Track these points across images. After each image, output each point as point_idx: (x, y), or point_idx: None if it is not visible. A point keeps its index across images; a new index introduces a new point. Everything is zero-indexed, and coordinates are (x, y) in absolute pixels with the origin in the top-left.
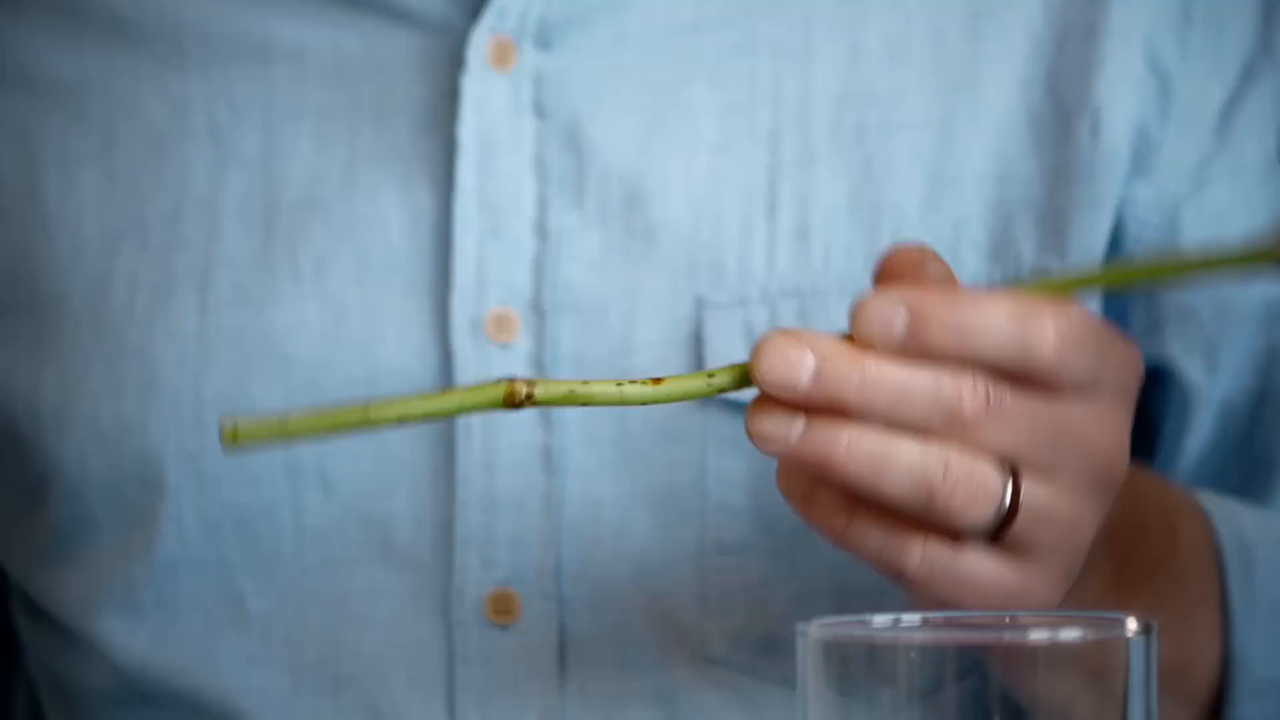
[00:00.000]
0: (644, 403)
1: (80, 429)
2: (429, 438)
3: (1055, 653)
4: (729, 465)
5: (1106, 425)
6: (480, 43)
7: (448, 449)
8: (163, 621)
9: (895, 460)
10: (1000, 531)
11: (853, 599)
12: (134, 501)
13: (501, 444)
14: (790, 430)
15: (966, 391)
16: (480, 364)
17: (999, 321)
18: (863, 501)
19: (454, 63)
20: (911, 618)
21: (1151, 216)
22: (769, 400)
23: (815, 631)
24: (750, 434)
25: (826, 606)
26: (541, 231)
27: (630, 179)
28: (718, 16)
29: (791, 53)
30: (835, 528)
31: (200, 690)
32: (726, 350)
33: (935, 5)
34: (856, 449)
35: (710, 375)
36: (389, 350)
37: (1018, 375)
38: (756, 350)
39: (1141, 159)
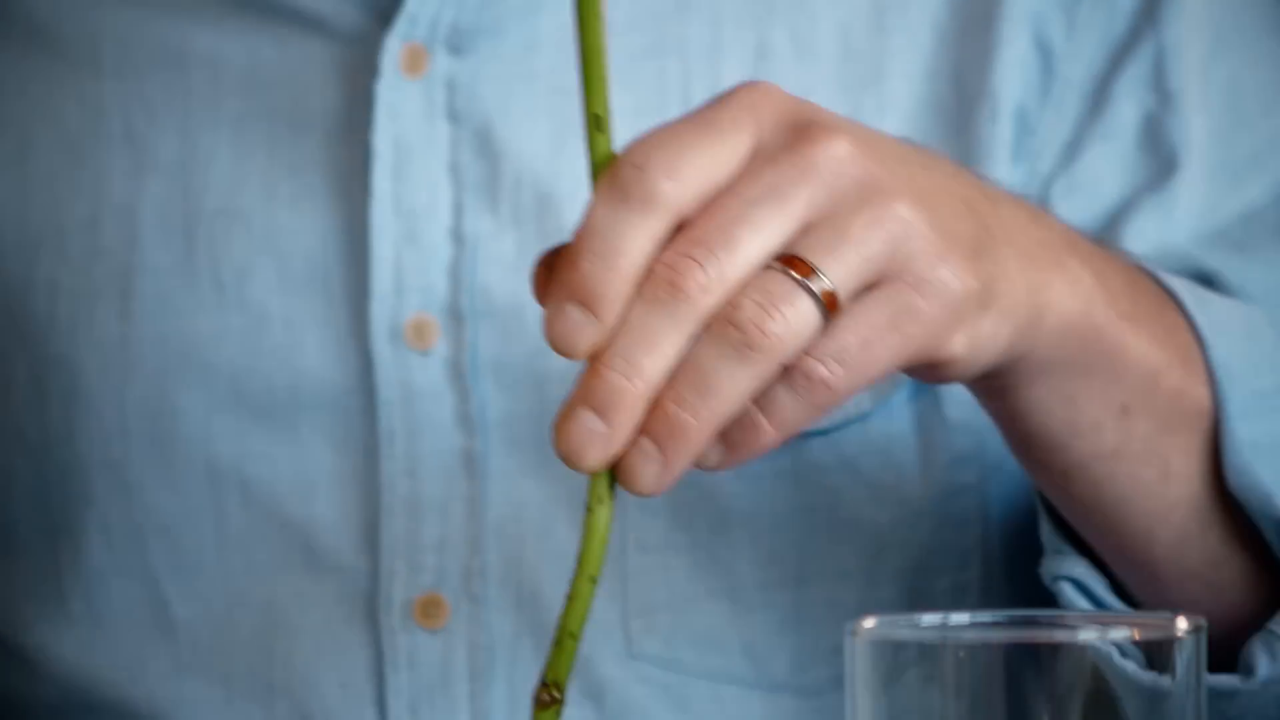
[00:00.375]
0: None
1: (5, 439)
2: (350, 443)
3: None
4: None
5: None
6: (393, 49)
7: (369, 454)
8: (92, 630)
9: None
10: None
11: (772, 591)
12: (60, 510)
13: (425, 449)
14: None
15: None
16: (400, 370)
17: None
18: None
19: (368, 70)
20: (960, 616)
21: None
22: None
23: (864, 631)
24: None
25: (751, 600)
26: (458, 237)
27: (543, 182)
28: (626, 20)
29: (701, 53)
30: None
31: (131, 700)
32: None
33: (841, 1)
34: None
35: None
36: (310, 358)
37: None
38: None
39: (1020, 142)
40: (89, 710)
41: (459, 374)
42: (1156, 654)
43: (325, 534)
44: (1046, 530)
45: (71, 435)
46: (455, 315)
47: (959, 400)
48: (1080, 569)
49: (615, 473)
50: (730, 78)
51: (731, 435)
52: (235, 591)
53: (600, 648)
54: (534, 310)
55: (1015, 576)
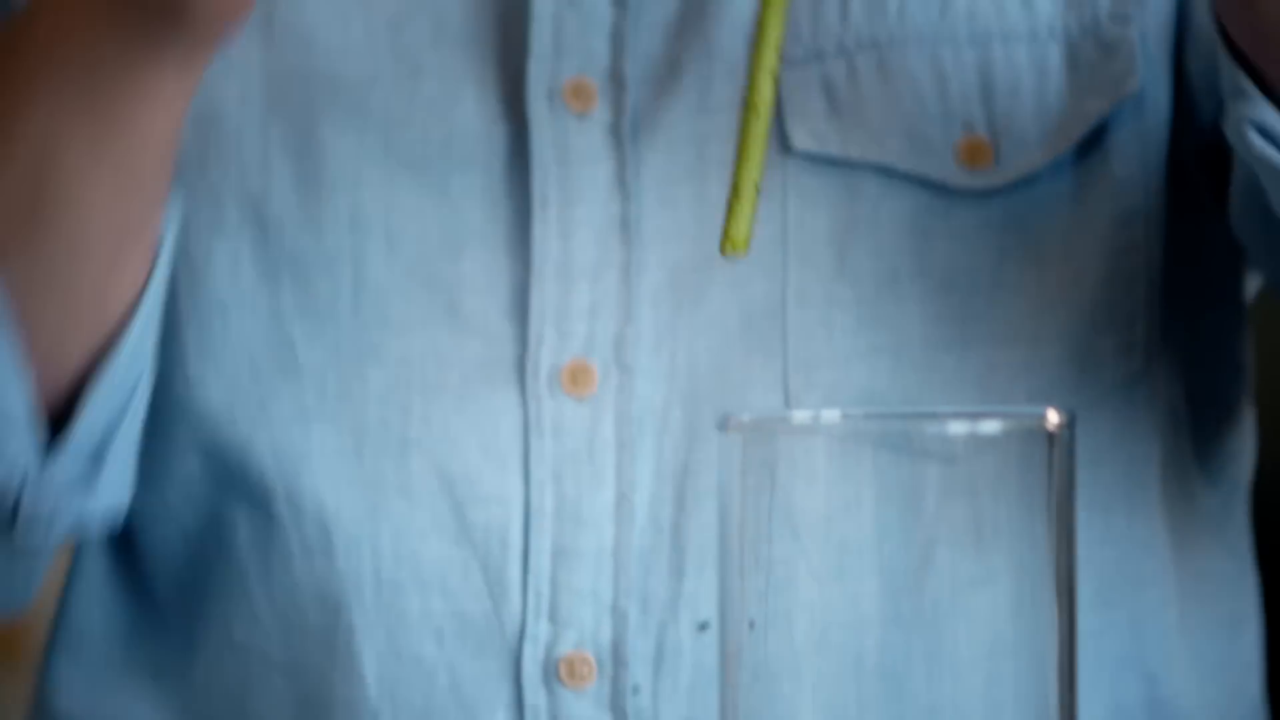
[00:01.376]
0: None
1: None
2: (502, 204)
3: None
4: (809, 218)
5: None
6: None
7: (521, 217)
8: (206, 362)
9: None
10: None
11: (935, 352)
12: (187, 234)
13: (579, 214)
14: None
15: None
16: (557, 132)
17: None
18: None
19: None
20: (831, 412)
21: None
22: None
23: (736, 425)
24: None
25: (915, 359)
26: (619, 0)
27: None
28: None
29: None
30: None
31: (255, 444)
32: (805, 105)
33: None
34: None
35: None
36: (464, 115)
37: None
38: None
39: None
40: (218, 450)
41: (618, 138)
42: (1028, 447)
43: (471, 294)
44: (1231, 71)
45: (207, 163)
46: (616, 79)
47: (1126, 157)
48: (1270, 114)
49: None
50: None
51: None
52: (369, 344)
53: (760, 403)
54: (693, 70)
55: (1179, 338)
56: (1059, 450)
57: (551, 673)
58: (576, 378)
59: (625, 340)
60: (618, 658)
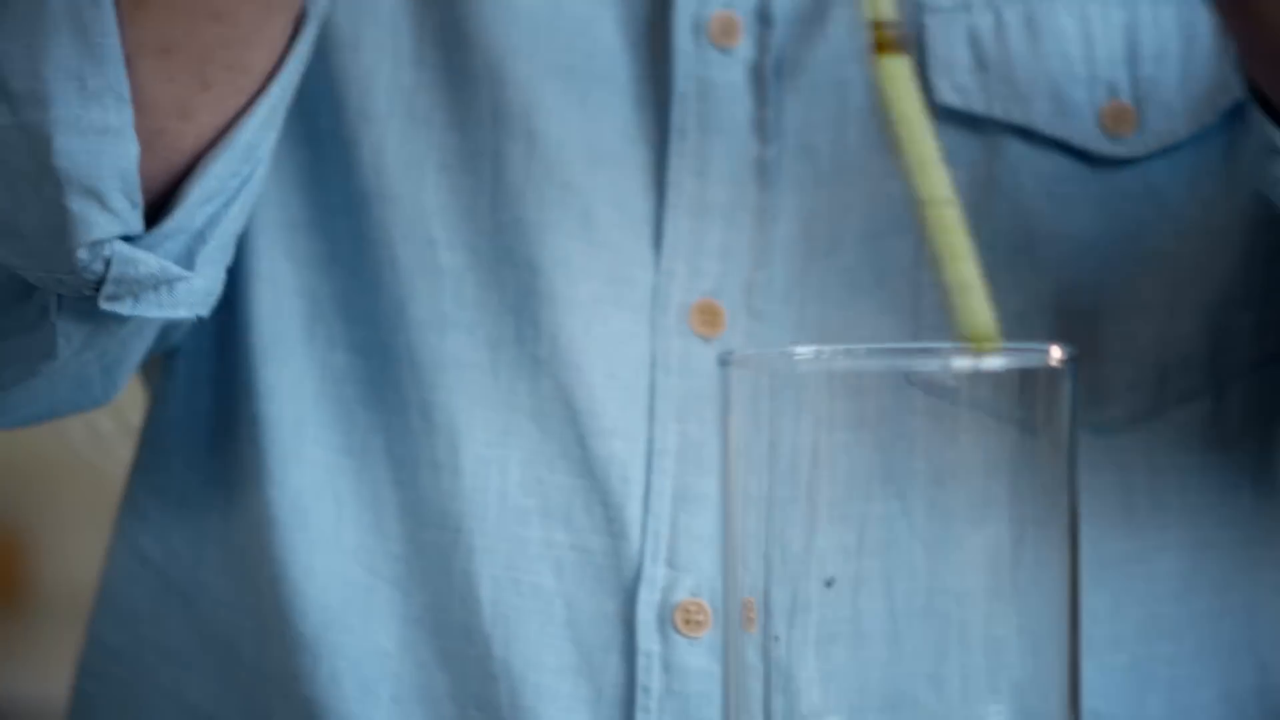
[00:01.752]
0: None
1: None
2: (640, 131)
3: None
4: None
5: None
6: None
7: (658, 148)
8: (331, 257)
9: None
10: None
11: (1068, 320)
12: (317, 116)
13: (716, 150)
14: None
15: None
16: (700, 65)
17: None
18: None
19: None
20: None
21: None
22: None
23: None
24: None
25: (1047, 328)
26: None
27: None
28: None
29: None
30: None
31: (390, 350)
32: (949, 56)
33: None
34: None
35: None
36: (608, 35)
37: None
38: None
39: None
40: (358, 350)
41: (760, 77)
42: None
43: (606, 208)
44: (1267, 130)
45: (360, 46)
46: (763, 17)
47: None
48: None
49: None
50: None
51: None
52: (505, 247)
53: None
54: (842, 14)
55: None
56: (1062, 386)
57: (667, 619)
58: (706, 317)
59: (756, 285)
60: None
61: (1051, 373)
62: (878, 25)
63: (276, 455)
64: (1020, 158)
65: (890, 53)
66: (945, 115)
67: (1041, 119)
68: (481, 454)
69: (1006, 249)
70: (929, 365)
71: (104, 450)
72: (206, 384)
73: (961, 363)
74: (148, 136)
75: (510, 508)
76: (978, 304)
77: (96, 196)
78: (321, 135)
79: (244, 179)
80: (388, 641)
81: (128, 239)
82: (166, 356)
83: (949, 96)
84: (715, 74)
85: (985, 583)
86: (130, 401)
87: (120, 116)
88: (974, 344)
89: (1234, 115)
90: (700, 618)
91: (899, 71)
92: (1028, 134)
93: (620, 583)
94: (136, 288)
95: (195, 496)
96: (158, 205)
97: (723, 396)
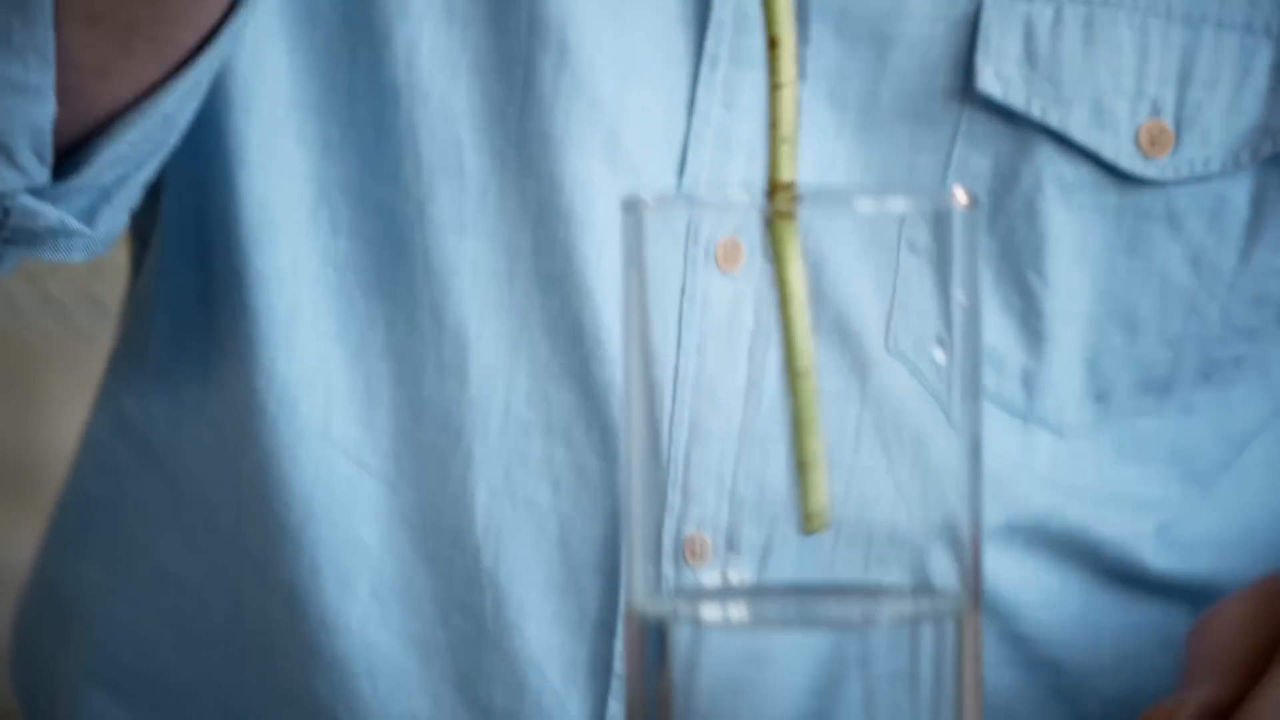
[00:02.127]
0: None
1: None
2: (671, 59)
3: None
4: (973, 163)
5: None
6: None
7: (690, 72)
8: (356, 142)
9: None
10: None
11: (1063, 323)
12: (375, 12)
13: (745, 81)
14: None
15: None
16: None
17: None
18: None
19: None
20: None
21: None
22: None
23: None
24: None
25: (1048, 330)
26: None
27: None
28: None
29: None
30: None
31: (405, 248)
32: (1000, 44)
33: None
34: None
35: None
36: None
37: None
38: None
39: None
40: (372, 241)
41: (803, 15)
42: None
43: (633, 129)
44: None
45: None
46: None
47: None
48: None
49: None
50: None
51: None
52: (528, 156)
53: None
54: None
55: None
56: (964, 227)
57: (679, 549)
58: (728, 252)
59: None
60: (731, 544)
61: (955, 215)
62: (774, 187)
63: (266, 347)
64: (1047, 160)
65: (783, 219)
66: (982, 103)
67: (1077, 127)
68: (490, 363)
69: (1014, 247)
70: (833, 207)
71: (21, 320)
72: (187, 265)
73: (865, 205)
74: (64, 91)
75: (514, 419)
76: (817, 482)
77: (5, 152)
78: (352, 23)
79: (158, 144)
80: (369, 535)
81: (32, 191)
82: (141, 227)
83: (990, 85)
84: (751, 5)
85: (894, 419)
86: (47, 270)
87: (42, 75)
88: (806, 521)
89: (1271, 164)
90: (703, 551)
91: (788, 237)
92: (1060, 139)
93: (613, 507)
94: (34, 239)
95: (177, 372)
96: (68, 153)
97: (624, 243)
